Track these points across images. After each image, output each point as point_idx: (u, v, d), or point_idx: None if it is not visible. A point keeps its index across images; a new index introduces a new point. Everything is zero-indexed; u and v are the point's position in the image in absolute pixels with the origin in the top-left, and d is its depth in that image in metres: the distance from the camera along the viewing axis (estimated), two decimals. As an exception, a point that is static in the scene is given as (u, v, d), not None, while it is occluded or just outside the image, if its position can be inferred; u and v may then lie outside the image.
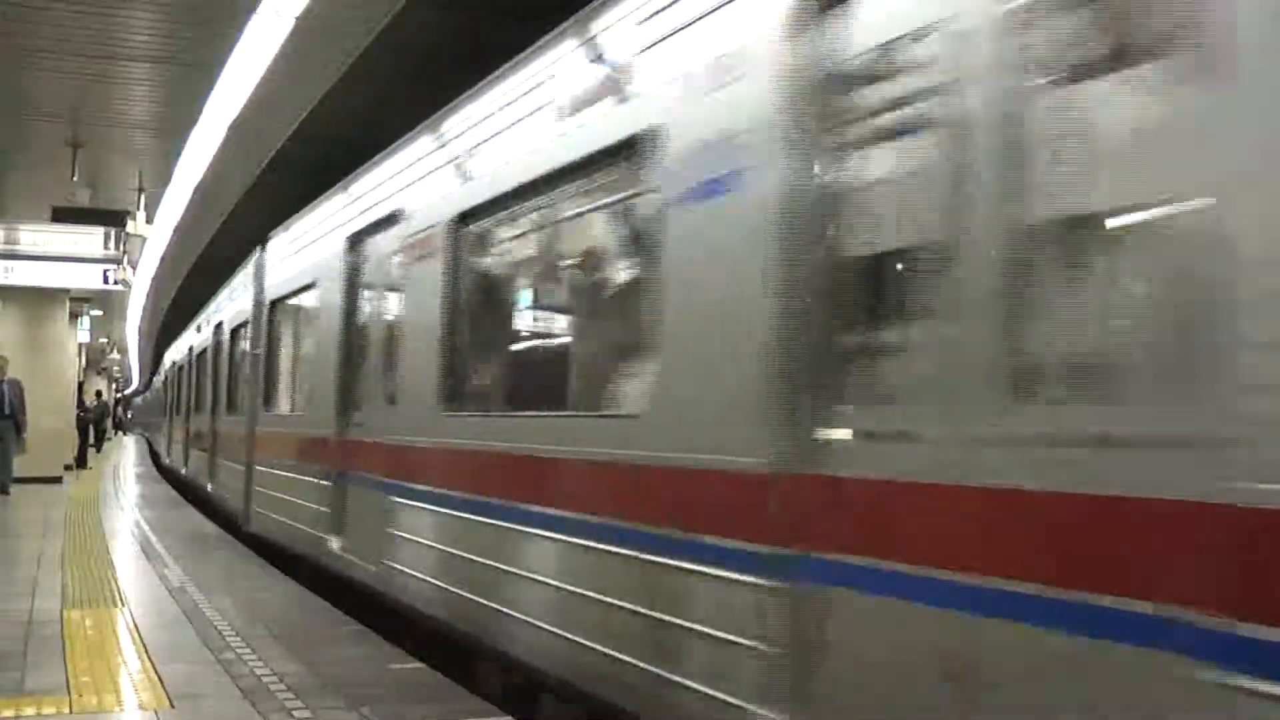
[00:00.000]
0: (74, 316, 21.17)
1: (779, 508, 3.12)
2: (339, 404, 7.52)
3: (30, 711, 4.32)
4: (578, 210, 5.01)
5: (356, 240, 7.55)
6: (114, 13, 8.08)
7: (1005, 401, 2.48)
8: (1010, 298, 2.49)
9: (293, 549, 8.69)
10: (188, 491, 16.81)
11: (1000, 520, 2.44)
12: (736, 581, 3.26)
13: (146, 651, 5.47)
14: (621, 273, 4.72)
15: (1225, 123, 2.08)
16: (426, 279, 5.98)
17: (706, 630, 3.39)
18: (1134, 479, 2.18)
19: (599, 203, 4.80)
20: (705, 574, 3.41)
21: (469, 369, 5.88)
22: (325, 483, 7.61)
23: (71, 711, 4.37)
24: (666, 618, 3.58)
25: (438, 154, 6.23)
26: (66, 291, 18.87)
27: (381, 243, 6.99)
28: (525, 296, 6.06)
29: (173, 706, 4.47)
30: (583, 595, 4.12)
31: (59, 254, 17.00)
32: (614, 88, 4.27)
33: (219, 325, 14.68)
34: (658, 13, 4.01)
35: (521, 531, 4.65)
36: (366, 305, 7.52)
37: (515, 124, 5.19)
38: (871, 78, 2.98)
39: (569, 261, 5.47)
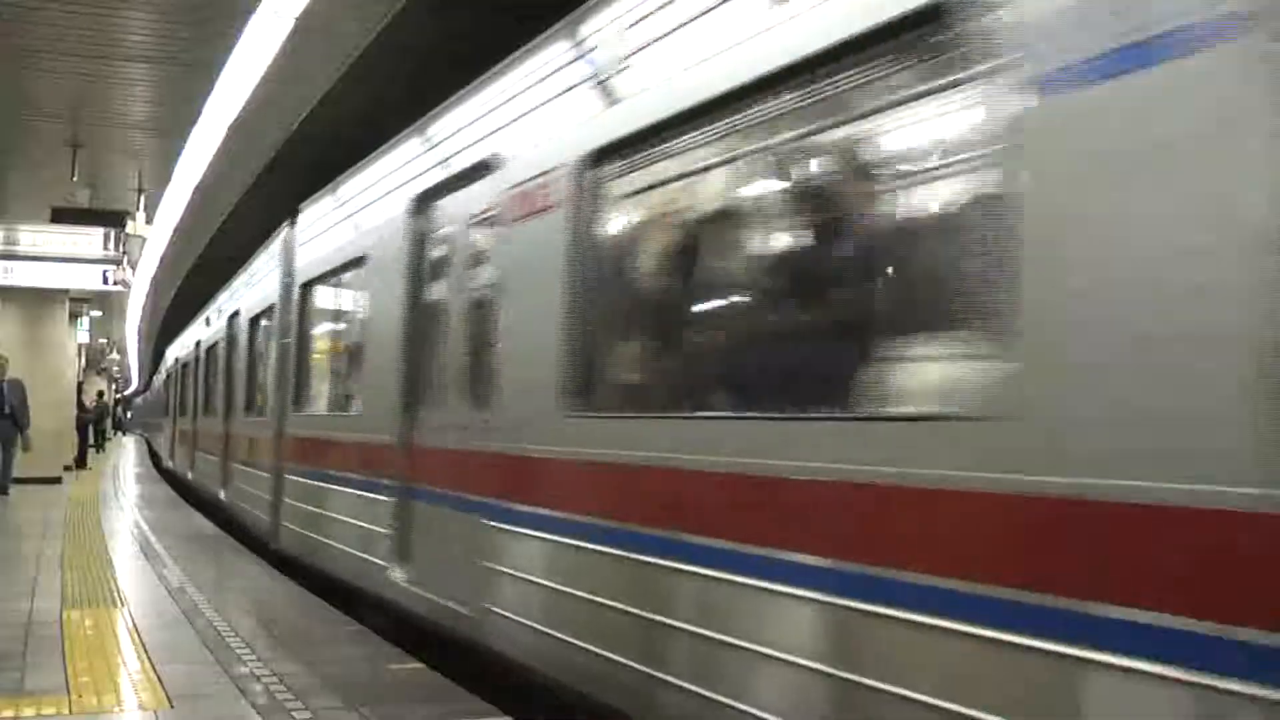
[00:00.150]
0: (73, 317, 21.17)
1: None
2: (403, 404, 6.23)
3: (30, 712, 4.32)
4: (858, 112, 3.29)
5: (426, 201, 6.23)
6: (114, 13, 8.08)
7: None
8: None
9: (336, 574, 7.34)
10: (192, 496, 16.18)
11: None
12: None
13: (146, 652, 5.46)
14: (960, 198, 3.07)
15: None
16: (537, 243, 4.63)
17: None
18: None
19: (892, 98, 3.14)
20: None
21: (616, 358, 4.50)
22: (384, 498, 6.34)
23: (71, 712, 4.37)
24: None
25: (557, 77, 4.75)
26: (66, 292, 18.87)
27: (464, 201, 5.70)
28: (727, 255, 4.10)
29: (172, 707, 4.47)
30: (860, 684, 2.85)
31: (58, 254, 17.01)
32: None
33: (234, 315, 13.18)
34: None
35: (729, 583, 3.37)
36: (441, 281, 6.09)
37: (701, 15, 3.79)
38: None
39: (834, 198, 3.60)
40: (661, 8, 4.01)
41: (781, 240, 3.87)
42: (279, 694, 4.65)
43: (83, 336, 25.06)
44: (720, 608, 3.42)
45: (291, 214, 9.64)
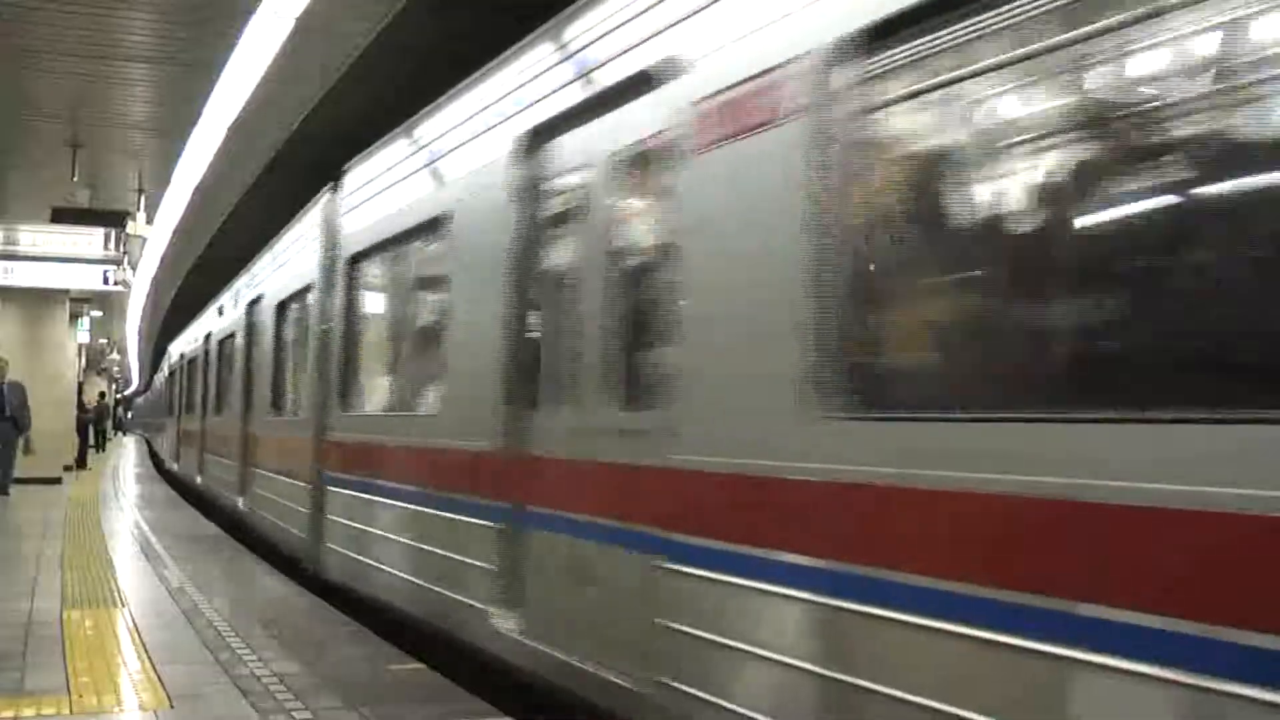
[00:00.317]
0: (74, 317, 21.18)
1: None
2: (508, 402, 4.89)
3: (30, 712, 4.32)
4: None
5: (541, 138, 4.83)
6: (114, 13, 8.08)
7: None
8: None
9: (405, 610, 5.98)
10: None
11: None
12: None
13: (146, 652, 5.46)
14: None
15: None
16: (751, 175, 3.37)
17: None
18: None
19: None
20: None
21: (921, 332, 3.12)
22: (481, 523, 4.99)
23: (71, 712, 4.37)
24: None
25: None
26: (66, 292, 18.90)
27: (606, 131, 4.33)
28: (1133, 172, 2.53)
29: (172, 707, 4.47)
30: None
31: (59, 255, 17.04)
32: None
33: (255, 302, 11.62)
34: None
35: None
36: (566, 241, 4.72)
37: None
38: None
39: None
40: None
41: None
42: (279, 694, 4.65)
43: (83, 337, 25.06)
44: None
45: (333, 177, 8.17)
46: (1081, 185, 2.63)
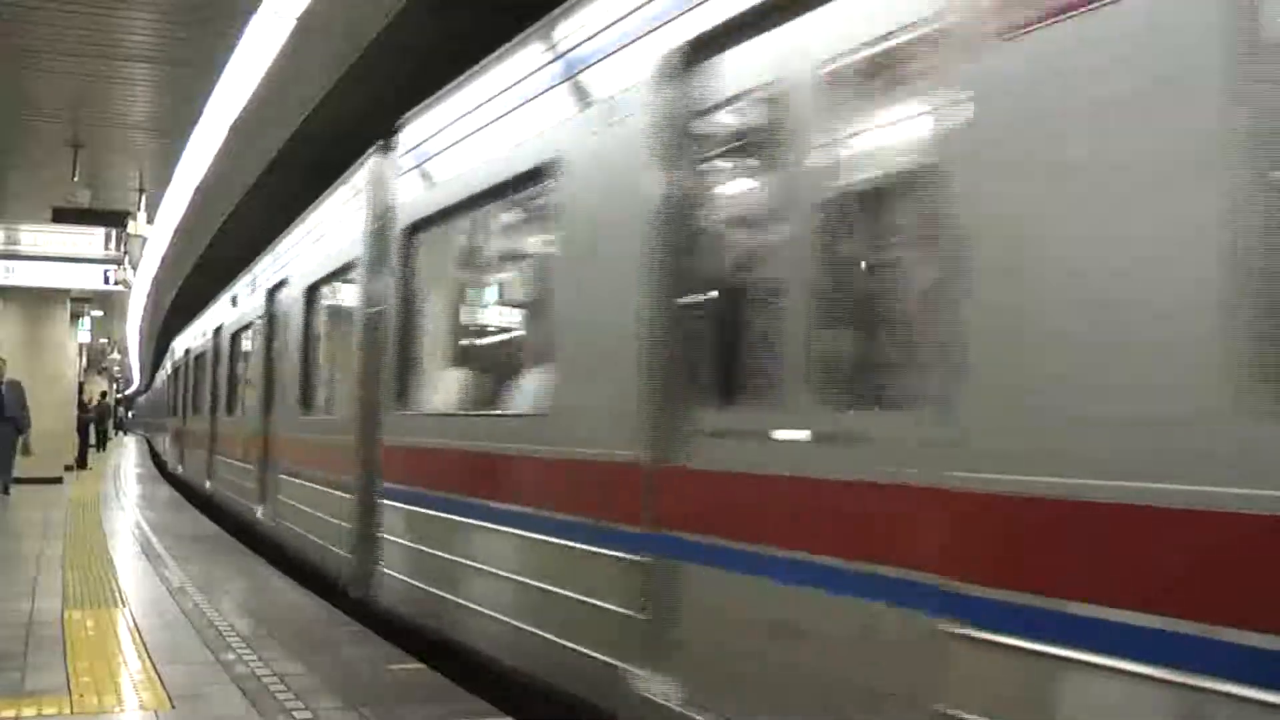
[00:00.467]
0: (75, 317, 21.19)
1: None
2: (664, 401, 3.73)
3: (31, 712, 4.32)
4: None
5: (702, 52, 3.67)
6: (114, 13, 8.08)
7: None
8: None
9: (501, 659, 4.81)
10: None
11: None
12: None
13: (147, 652, 5.46)
14: None
15: None
16: (1134, 66, 2.24)
17: None
18: None
19: None
20: None
21: None
22: (623, 557, 3.83)
23: (72, 712, 4.37)
24: None
25: None
26: (67, 292, 18.90)
27: (814, 32, 3.21)
28: None
29: (173, 707, 4.47)
30: None
31: (59, 254, 17.03)
32: None
33: (278, 288, 10.31)
34: None
35: None
36: (761, 183, 3.61)
37: None
38: None
39: None
40: None
41: None
42: (280, 694, 4.65)
43: (83, 336, 25.06)
44: None
45: (383, 135, 6.91)
46: None
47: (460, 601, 5.14)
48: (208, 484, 14.64)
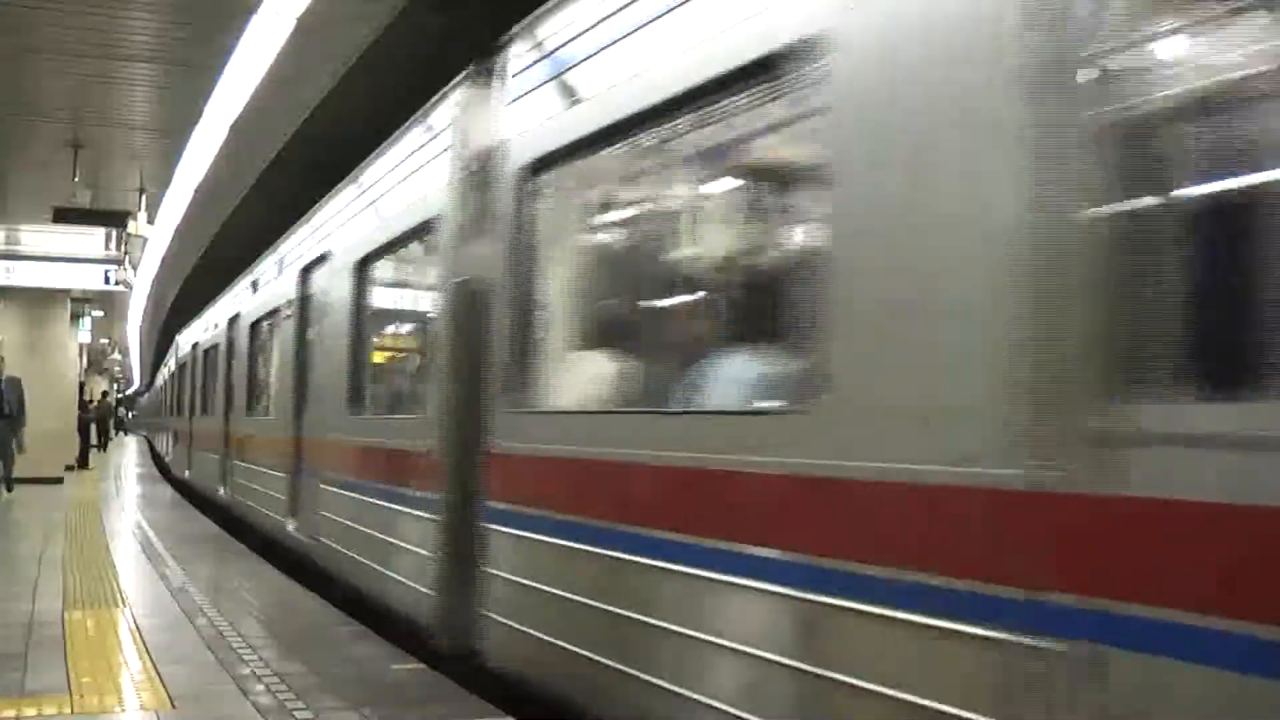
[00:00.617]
0: (75, 317, 21.19)
1: None
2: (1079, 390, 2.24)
3: (31, 712, 4.32)
4: None
5: None
6: (114, 13, 8.08)
7: None
8: None
9: None
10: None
11: None
12: None
13: (147, 652, 5.46)
14: None
15: None
16: None
17: None
18: None
19: None
20: None
21: None
22: (975, 632, 2.39)
23: (72, 712, 4.37)
24: None
25: None
26: (67, 292, 18.92)
27: None
28: None
29: (174, 707, 4.46)
30: None
31: (60, 255, 17.05)
32: None
33: (316, 264, 8.73)
34: None
35: None
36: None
37: None
38: None
39: None
40: None
41: None
42: (281, 694, 4.65)
43: (84, 337, 25.04)
44: None
45: (480, 54, 5.43)
46: None
47: (663, 684, 3.50)
48: (222, 490, 13.18)
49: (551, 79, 4.68)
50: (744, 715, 3.10)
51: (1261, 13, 2.14)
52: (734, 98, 3.51)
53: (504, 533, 4.70)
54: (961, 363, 2.54)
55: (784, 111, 3.36)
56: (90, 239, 16.60)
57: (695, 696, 3.33)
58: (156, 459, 28.64)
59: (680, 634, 3.44)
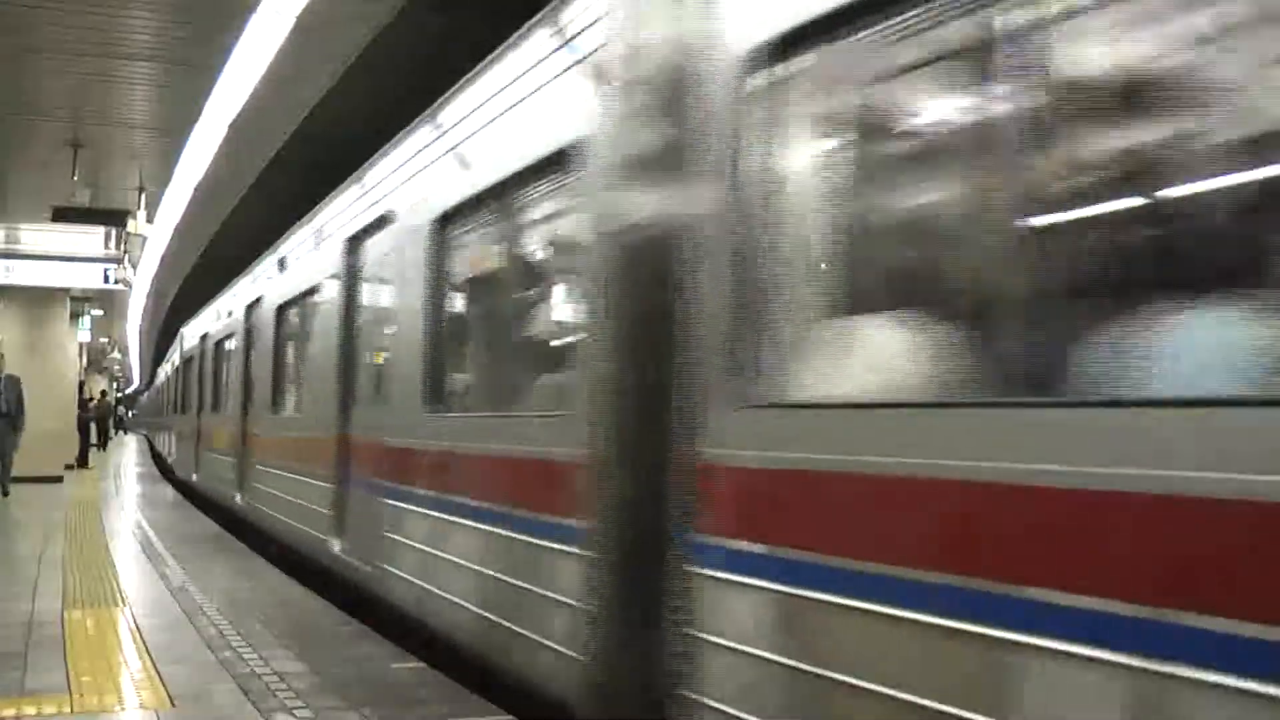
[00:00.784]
0: (75, 316, 21.18)
1: None
2: None
3: (31, 711, 4.32)
4: None
5: None
6: (114, 12, 8.09)
7: None
8: None
9: None
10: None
11: None
12: None
13: (147, 651, 5.46)
14: None
15: None
16: None
17: None
18: None
19: None
20: None
21: None
22: None
23: (72, 711, 4.37)
24: None
25: None
26: (67, 291, 18.92)
27: None
28: None
29: (174, 706, 4.47)
30: None
31: (60, 254, 17.05)
32: None
33: (368, 232, 7.23)
34: None
35: None
36: None
37: None
38: None
39: None
40: None
41: None
42: (280, 693, 4.65)
43: (84, 336, 25.03)
44: None
45: None
46: None
47: None
48: (238, 497, 11.84)
49: None
50: None
51: None
52: None
53: (740, 584, 3.11)
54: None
55: None
56: (90, 238, 16.59)
57: None
58: (157, 459, 28.64)
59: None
